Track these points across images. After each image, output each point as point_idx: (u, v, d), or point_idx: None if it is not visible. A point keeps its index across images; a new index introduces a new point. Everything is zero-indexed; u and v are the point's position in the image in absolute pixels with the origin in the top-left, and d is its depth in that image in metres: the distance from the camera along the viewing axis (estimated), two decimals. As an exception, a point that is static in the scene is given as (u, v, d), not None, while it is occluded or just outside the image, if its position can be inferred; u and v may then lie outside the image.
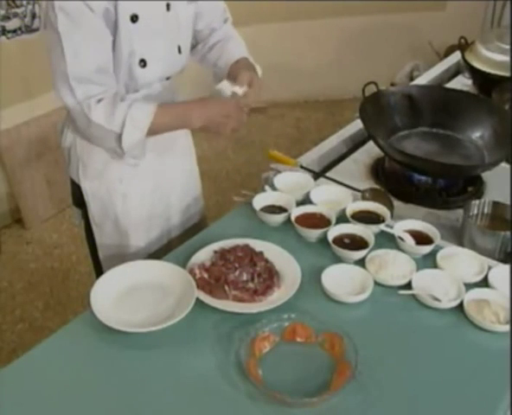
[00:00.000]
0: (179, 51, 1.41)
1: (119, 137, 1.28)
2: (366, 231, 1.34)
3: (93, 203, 1.47)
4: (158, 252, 1.53)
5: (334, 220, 1.37)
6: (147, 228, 1.53)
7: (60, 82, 1.26)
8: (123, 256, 1.50)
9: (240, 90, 1.39)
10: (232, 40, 1.55)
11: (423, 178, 1.58)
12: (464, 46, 2.17)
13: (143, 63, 1.32)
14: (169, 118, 1.35)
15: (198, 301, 1.16)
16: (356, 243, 1.32)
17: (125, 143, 1.29)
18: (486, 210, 1.45)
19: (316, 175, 1.63)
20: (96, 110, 1.26)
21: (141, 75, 1.34)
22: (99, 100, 1.26)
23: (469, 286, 1.21)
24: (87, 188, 1.46)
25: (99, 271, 1.54)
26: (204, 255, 1.28)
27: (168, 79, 1.44)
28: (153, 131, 1.32)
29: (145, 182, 1.48)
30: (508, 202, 1.44)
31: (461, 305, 1.17)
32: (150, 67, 1.34)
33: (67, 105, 1.29)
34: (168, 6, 1.34)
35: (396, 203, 1.53)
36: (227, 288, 1.19)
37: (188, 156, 1.63)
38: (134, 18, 1.27)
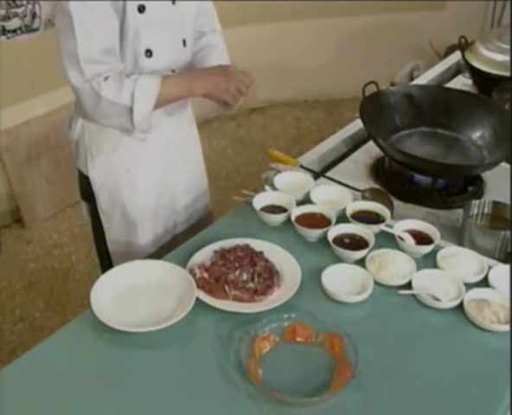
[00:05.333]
0: (184, 44, 1.45)
1: (129, 110, 1.32)
2: (366, 231, 1.34)
3: (101, 193, 1.49)
4: (164, 248, 1.55)
5: (334, 220, 1.37)
6: (154, 220, 1.54)
7: (69, 63, 1.30)
8: (131, 249, 1.52)
9: None
10: (216, 50, 1.57)
11: (423, 178, 1.57)
12: (463, 46, 2.17)
13: (149, 53, 1.36)
14: (174, 88, 1.39)
15: (198, 301, 1.16)
16: (356, 243, 1.32)
17: (136, 115, 1.32)
18: (486, 210, 1.45)
19: (317, 175, 1.63)
20: (105, 86, 1.30)
21: (147, 66, 1.37)
22: (106, 78, 1.30)
23: (469, 286, 1.20)
24: (96, 178, 1.48)
25: (104, 267, 1.55)
26: (204, 255, 1.28)
27: (173, 71, 1.46)
28: (160, 103, 1.36)
29: (151, 172, 1.50)
30: (508, 202, 1.44)
31: (461, 305, 1.17)
32: (156, 58, 1.38)
33: (74, 86, 1.32)
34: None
35: (396, 203, 1.53)
36: (227, 288, 1.19)
37: (194, 148, 1.65)
38: (141, 8, 1.32)
